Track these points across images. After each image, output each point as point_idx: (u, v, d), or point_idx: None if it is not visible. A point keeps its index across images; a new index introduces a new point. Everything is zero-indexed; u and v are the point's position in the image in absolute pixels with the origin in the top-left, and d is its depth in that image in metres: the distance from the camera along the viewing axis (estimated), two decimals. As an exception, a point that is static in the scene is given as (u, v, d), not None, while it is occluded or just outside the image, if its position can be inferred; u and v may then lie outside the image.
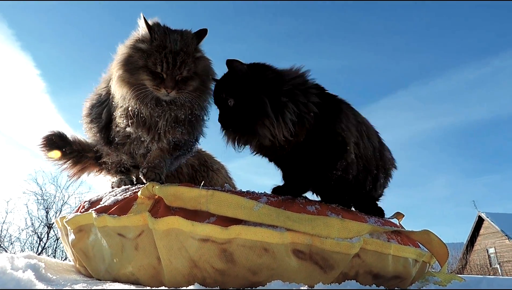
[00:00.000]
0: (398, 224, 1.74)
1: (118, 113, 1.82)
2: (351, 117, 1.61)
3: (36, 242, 9.51)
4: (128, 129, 1.81)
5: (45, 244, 9.41)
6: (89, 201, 1.68)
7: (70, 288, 1.21)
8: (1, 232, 8.60)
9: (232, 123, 1.56)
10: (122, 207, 1.44)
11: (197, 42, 1.78)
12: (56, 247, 9.52)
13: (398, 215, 1.85)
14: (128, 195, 1.52)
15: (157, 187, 1.38)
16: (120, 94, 1.76)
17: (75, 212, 1.66)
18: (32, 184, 8.85)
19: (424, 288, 1.43)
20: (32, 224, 9.17)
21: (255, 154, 1.65)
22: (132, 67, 1.72)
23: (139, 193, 1.45)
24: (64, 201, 9.36)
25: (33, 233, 9.47)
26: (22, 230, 8.84)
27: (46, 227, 9.63)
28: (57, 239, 9.89)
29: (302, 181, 1.57)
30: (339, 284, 1.26)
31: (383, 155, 1.73)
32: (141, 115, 1.75)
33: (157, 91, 1.70)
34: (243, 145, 1.61)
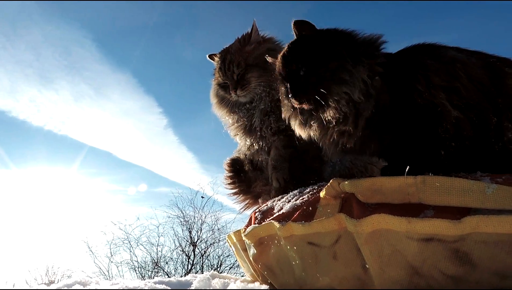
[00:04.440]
0: None
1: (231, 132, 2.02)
2: (433, 65, 1.22)
3: (185, 260, 10.39)
4: (238, 140, 2.02)
5: (193, 261, 10.23)
6: (259, 211, 1.55)
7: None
8: (157, 254, 9.60)
9: (308, 90, 1.27)
10: (305, 213, 1.26)
11: (249, 36, 1.88)
12: (202, 263, 10.23)
13: None
14: (306, 198, 1.34)
15: (346, 182, 1.16)
16: (220, 116, 2.01)
17: (247, 225, 1.55)
18: (174, 208, 9.71)
19: None
20: (180, 244, 10.07)
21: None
22: (215, 92, 2.01)
23: (321, 194, 1.25)
24: (203, 220, 10.05)
25: (182, 252, 10.37)
26: (173, 251, 9.75)
27: (191, 245, 10.49)
28: (202, 256, 10.60)
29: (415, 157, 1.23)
30: None
31: (500, 90, 1.23)
32: (239, 121, 1.92)
33: (230, 98, 1.90)
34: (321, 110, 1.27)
